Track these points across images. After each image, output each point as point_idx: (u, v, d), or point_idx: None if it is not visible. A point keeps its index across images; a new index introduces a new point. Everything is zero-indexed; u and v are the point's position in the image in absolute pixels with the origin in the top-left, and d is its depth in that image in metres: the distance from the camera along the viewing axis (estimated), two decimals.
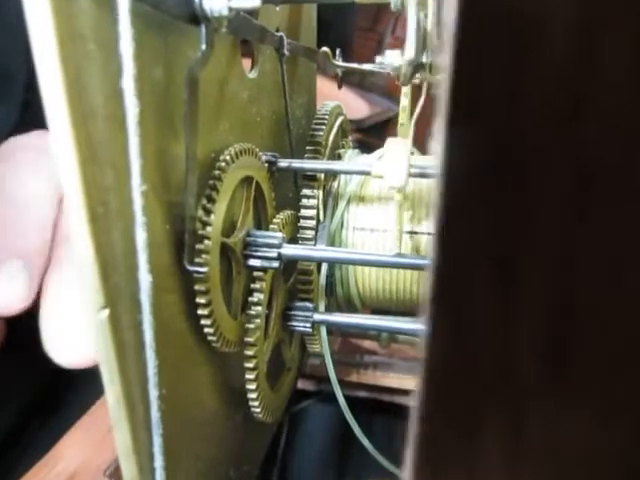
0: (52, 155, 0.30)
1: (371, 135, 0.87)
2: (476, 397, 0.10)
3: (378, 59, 0.26)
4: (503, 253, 0.09)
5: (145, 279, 0.20)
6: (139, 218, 0.20)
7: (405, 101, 0.26)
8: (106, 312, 0.18)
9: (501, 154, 0.09)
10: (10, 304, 0.26)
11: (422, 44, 0.23)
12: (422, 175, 0.29)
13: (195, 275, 0.23)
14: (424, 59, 0.23)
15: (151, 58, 0.20)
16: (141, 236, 0.20)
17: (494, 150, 0.09)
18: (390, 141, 0.26)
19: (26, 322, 0.29)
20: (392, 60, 0.25)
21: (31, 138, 0.32)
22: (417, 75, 0.26)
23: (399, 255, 0.28)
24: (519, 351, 0.10)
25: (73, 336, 0.26)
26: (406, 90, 0.27)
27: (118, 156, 0.19)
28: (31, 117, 0.34)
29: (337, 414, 0.47)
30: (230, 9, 0.20)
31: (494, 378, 0.10)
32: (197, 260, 0.23)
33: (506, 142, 0.09)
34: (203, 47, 0.20)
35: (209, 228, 0.23)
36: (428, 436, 0.11)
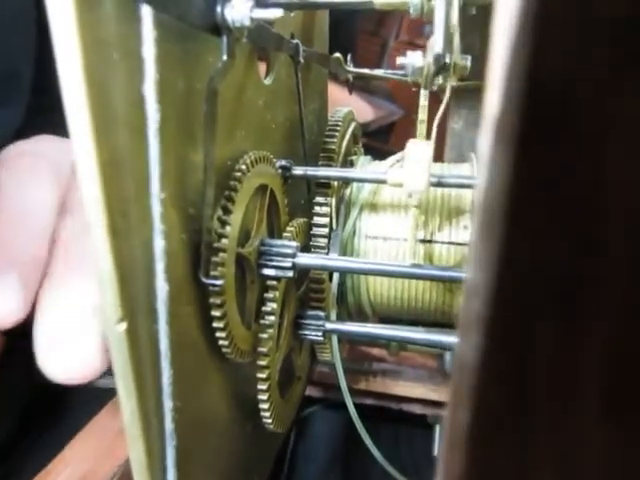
0: (52, 162, 0.29)
1: (376, 139, 0.86)
2: (529, 430, 0.10)
3: (399, 60, 0.25)
4: (569, 272, 0.09)
5: (162, 287, 0.20)
6: (157, 226, 0.19)
7: (424, 101, 0.25)
8: (124, 325, 0.18)
9: (580, 170, 0.09)
10: (3, 318, 0.25)
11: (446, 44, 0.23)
12: (438, 184, 0.29)
13: (210, 288, 0.23)
14: (447, 59, 0.22)
15: (172, 64, 0.20)
16: (159, 244, 0.20)
17: (569, 164, 0.09)
18: (411, 143, 0.25)
19: (24, 328, 0.29)
20: (414, 61, 0.24)
21: (29, 144, 0.30)
22: (437, 78, 0.25)
23: (416, 265, 0.28)
24: (581, 383, 0.09)
25: (65, 353, 0.25)
26: (425, 91, 0.26)
27: (139, 165, 0.18)
28: (37, 120, 0.34)
29: (343, 420, 0.47)
30: (252, 19, 0.20)
31: (551, 410, 0.09)
32: (213, 273, 0.22)
33: (584, 160, 0.09)
34: (224, 58, 0.20)
35: (225, 240, 0.23)
36: (474, 466, 0.10)
